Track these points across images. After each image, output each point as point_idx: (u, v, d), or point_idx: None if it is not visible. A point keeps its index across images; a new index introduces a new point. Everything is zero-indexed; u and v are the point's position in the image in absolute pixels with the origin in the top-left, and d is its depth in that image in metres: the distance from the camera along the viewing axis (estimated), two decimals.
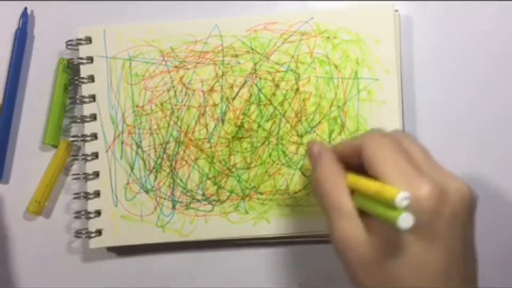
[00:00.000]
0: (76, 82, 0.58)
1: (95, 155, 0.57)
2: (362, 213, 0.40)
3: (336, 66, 0.56)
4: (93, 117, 0.57)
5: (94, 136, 0.57)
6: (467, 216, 0.39)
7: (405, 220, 0.35)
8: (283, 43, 0.57)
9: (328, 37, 0.57)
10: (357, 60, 0.56)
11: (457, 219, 0.38)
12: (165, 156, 0.57)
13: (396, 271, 0.39)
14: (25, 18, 0.60)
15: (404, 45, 0.58)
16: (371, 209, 0.39)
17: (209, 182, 0.57)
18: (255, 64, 0.57)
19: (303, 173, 0.56)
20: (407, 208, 0.35)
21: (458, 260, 0.39)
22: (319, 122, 0.56)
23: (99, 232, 0.57)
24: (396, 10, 0.57)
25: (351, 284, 0.42)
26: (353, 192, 0.41)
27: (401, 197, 0.35)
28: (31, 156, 0.60)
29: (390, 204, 0.36)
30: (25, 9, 0.60)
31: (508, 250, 0.57)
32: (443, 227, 0.38)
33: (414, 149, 0.42)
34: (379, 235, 0.39)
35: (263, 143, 0.57)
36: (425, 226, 0.37)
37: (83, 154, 0.58)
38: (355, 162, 0.42)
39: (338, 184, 0.42)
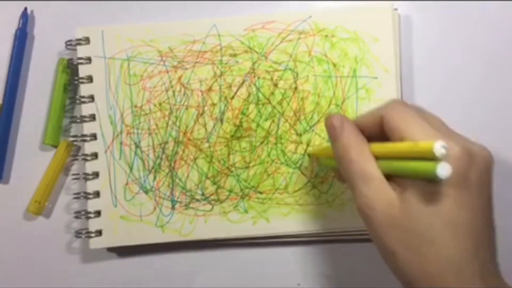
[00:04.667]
0: (75, 82, 0.58)
1: (95, 155, 0.57)
2: (389, 178, 0.41)
3: (334, 65, 0.56)
4: (92, 117, 0.58)
5: (94, 136, 0.57)
6: (489, 177, 0.41)
7: (444, 168, 0.36)
8: (281, 42, 0.57)
9: (326, 36, 0.56)
10: (355, 59, 0.56)
11: (483, 180, 0.40)
12: (164, 156, 0.57)
13: (429, 228, 0.39)
14: (25, 18, 0.60)
15: (404, 44, 0.58)
16: (401, 169, 0.40)
17: (208, 181, 0.57)
18: (254, 63, 0.57)
19: (302, 172, 0.56)
20: (444, 158, 0.36)
21: (482, 220, 0.40)
22: (318, 121, 0.56)
23: (99, 232, 0.57)
24: (396, 9, 0.57)
25: (380, 251, 0.42)
26: (377, 159, 0.42)
27: (439, 145, 0.36)
28: (31, 156, 0.60)
29: (425, 156, 0.36)
30: (25, 9, 0.60)
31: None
32: (471, 185, 0.39)
33: (432, 118, 0.43)
34: (412, 193, 0.39)
35: (262, 143, 0.56)
36: (456, 180, 0.38)
37: (83, 154, 0.58)
38: (375, 134, 0.43)
39: (363, 151, 0.42)
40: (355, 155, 0.42)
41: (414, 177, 0.39)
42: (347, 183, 0.43)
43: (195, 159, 0.57)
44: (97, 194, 0.57)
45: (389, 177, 0.41)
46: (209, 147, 0.57)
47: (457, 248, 0.39)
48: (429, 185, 0.39)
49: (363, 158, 0.42)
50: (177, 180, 0.57)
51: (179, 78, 0.57)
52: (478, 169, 0.39)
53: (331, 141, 0.45)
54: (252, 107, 0.57)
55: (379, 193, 0.41)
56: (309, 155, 0.56)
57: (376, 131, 0.43)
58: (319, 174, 0.56)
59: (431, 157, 0.36)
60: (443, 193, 0.39)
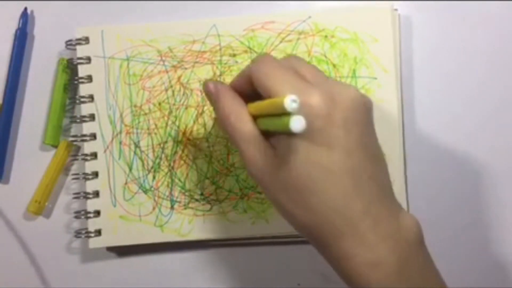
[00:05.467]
0: (75, 82, 0.58)
1: (94, 155, 0.57)
2: (269, 135, 0.42)
3: (334, 65, 0.56)
4: (92, 117, 0.58)
5: (93, 136, 0.57)
6: (361, 119, 0.41)
7: (297, 121, 0.36)
8: (280, 42, 0.57)
9: (326, 36, 0.56)
10: (355, 59, 0.56)
11: (351, 122, 0.40)
12: (163, 155, 0.57)
13: (305, 179, 0.40)
14: (25, 18, 0.60)
15: (404, 45, 0.58)
16: (270, 126, 0.40)
17: (207, 181, 0.57)
18: None
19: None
20: (298, 112, 0.36)
21: (360, 160, 0.40)
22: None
23: (98, 232, 0.57)
24: (395, 9, 0.57)
25: (275, 209, 0.43)
26: (256, 119, 0.43)
27: (289, 100, 0.36)
28: (31, 156, 0.60)
29: (282, 112, 0.37)
30: (25, 9, 0.60)
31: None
32: (338, 131, 0.39)
33: (303, 66, 0.43)
34: (284, 147, 0.40)
35: None
36: (319, 131, 0.39)
37: (83, 154, 0.58)
38: (252, 93, 0.43)
39: (240, 114, 0.43)
40: (233, 118, 0.43)
41: (281, 132, 0.40)
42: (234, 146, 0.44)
43: (194, 159, 0.57)
44: (96, 194, 0.57)
45: (270, 134, 0.42)
46: (209, 147, 0.57)
47: (336, 192, 0.39)
48: (295, 138, 0.39)
49: (241, 120, 0.43)
50: (176, 180, 0.57)
51: (179, 78, 0.57)
52: (342, 111, 0.39)
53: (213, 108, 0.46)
54: None
55: (259, 152, 0.42)
56: None
57: (251, 89, 0.43)
58: None
59: (286, 112, 0.36)
60: (307, 143, 0.39)
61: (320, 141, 0.39)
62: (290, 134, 0.37)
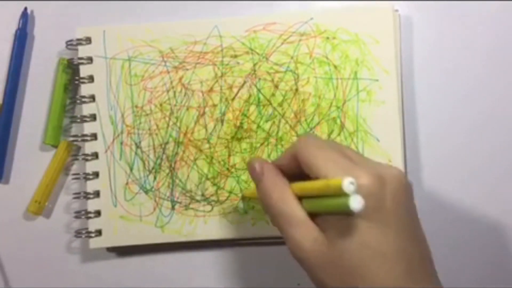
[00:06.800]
0: (76, 82, 0.58)
1: (95, 155, 0.57)
2: (315, 216, 0.41)
3: (335, 67, 0.56)
4: (93, 117, 0.58)
5: (94, 136, 0.57)
6: (407, 198, 0.41)
7: (356, 201, 0.36)
8: (282, 43, 0.57)
9: (328, 38, 0.56)
10: (356, 61, 0.56)
11: (399, 201, 0.39)
12: (164, 156, 0.57)
13: (358, 261, 0.39)
14: (25, 18, 0.60)
15: (404, 45, 0.58)
16: (321, 207, 0.40)
17: (208, 182, 0.57)
18: (255, 64, 0.57)
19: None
20: (355, 191, 0.36)
21: (410, 241, 0.40)
22: (318, 123, 0.56)
23: (99, 232, 0.57)
24: (396, 10, 0.57)
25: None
26: (301, 199, 0.42)
27: (347, 182, 0.36)
28: (31, 156, 0.60)
29: (338, 193, 0.37)
30: (25, 9, 0.60)
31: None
32: (389, 210, 0.39)
33: (346, 148, 0.43)
34: (335, 229, 0.40)
35: (262, 144, 0.56)
36: (372, 209, 0.38)
37: (83, 154, 0.58)
38: (296, 171, 0.43)
39: (284, 194, 0.42)
40: (277, 198, 0.42)
41: (334, 213, 0.39)
42: (276, 227, 0.43)
43: (195, 159, 0.57)
44: (97, 194, 0.57)
45: (316, 215, 0.41)
46: (210, 148, 0.57)
47: (388, 276, 0.38)
48: (349, 219, 0.39)
49: (285, 201, 0.42)
50: (177, 181, 0.57)
51: (180, 78, 0.57)
52: (391, 191, 0.39)
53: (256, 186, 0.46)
54: (252, 108, 0.57)
55: (305, 234, 0.41)
56: (243, 197, 0.57)
57: (296, 168, 0.43)
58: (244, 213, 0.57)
59: (343, 193, 0.36)
60: (362, 224, 0.39)
61: (375, 220, 0.39)
62: (344, 215, 0.38)
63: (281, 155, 0.46)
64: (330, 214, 0.40)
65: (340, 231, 0.39)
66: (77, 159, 0.59)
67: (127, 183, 0.57)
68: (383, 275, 0.38)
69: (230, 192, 0.57)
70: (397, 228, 0.39)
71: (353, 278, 0.39)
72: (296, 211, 0.41)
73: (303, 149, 0.42)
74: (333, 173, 0.39)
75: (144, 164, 0.57)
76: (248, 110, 0.57)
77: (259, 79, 0.57)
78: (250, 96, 0.57)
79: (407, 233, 0.39)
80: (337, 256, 0.39)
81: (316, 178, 0.40)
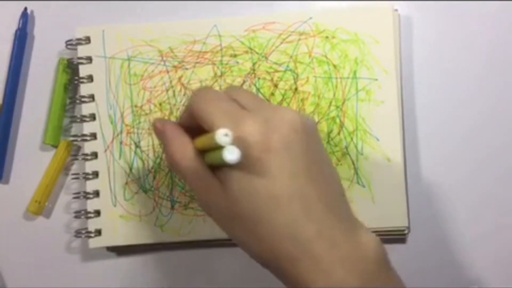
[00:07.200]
0: (76, 82, 0.58)
1: (95, 155, 0.58)
2: (217, 169, 0.41)
3: (335, 66, 0.56)
4: (92, 117, 0.58)
5: (93, 136, 0.58)
6: (302, 140, 0.40)
7: (230, 153, 0.37)
8: (281, 43, 0.57)
9: (327, 37, 0.56)
10: (356, 60, 0.56)
11: (291, 145, 0.39)
12: (163, 156, 0.57)
13: (253, 209, 0.39)
14: (25, 18, 0.60)
15: (404, 45, 0.58)
16: (213, 160, 0.40)
17: None
18: (254, 64, 0.57)
19: None
20: (232, 144, 0.37)
21: (309, 182, 0.39)
22: (318, 122, 0.56)
23: (98, 232, 0.57)
24: (396, 10, 0.57)
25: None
26: (203, 153, 0.42)
27: (220, 134, 0.36)
28: (31, 156, 0.60)
29: (218, 146, 0.37)
30: (25, 9, 0.61)
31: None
32: (277, 156, 0.38)
33: (240, 94, 0.43)
34: (228, 179, 0.40)
35: None
36: (256, 159, 0.38)
37: (83, 154, 0.58)
38: (200, 126, 0.43)
39: (185, 150, 0.43)
40: (179, 156, 0.43)
41: (222, 165, 0.39)
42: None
43: None
44: (96, 193, 0.57)
45: (218, 168, 0.41)
46: None
47: (284, 219, 0.38)
48: (239, 169, 0.39)
49: (186, 157, 0.42)
50: (176, 180, 0.57)
51: (180, 78, 0.57)
52: (280, 135, 0.39)
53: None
54: None
55: (207, 188, 0.41)
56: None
57: (198, 123, 0.43)
58: None
59: (219, 146, 0.37)
60: (247, 173, 0.39)
61: (258, 169, 0.38)
62: (229, 166, 0.38)
63: (181, 113, 0.46)
64: (225, 166, 0.40)
65: (230, 181, 0.39)
66: (76, 159, 0.59)
67: (126, 183, 0.57)
68: (279, 218, 0.38)
69: None
70: (287, 172, 0.38)
71: (253, 224, 0.39)
72: (196, 166, 0.42)
73: (195, 103, 0.42)
74: (220, 123, 0.39)
75: (143, 163, 0.57)
76: None
77: (259, 78, 0.57)
78: None
79: (302, 175, 0.39)
80: (232, 205, 0.40)
81: (208, 130, 0.40)
